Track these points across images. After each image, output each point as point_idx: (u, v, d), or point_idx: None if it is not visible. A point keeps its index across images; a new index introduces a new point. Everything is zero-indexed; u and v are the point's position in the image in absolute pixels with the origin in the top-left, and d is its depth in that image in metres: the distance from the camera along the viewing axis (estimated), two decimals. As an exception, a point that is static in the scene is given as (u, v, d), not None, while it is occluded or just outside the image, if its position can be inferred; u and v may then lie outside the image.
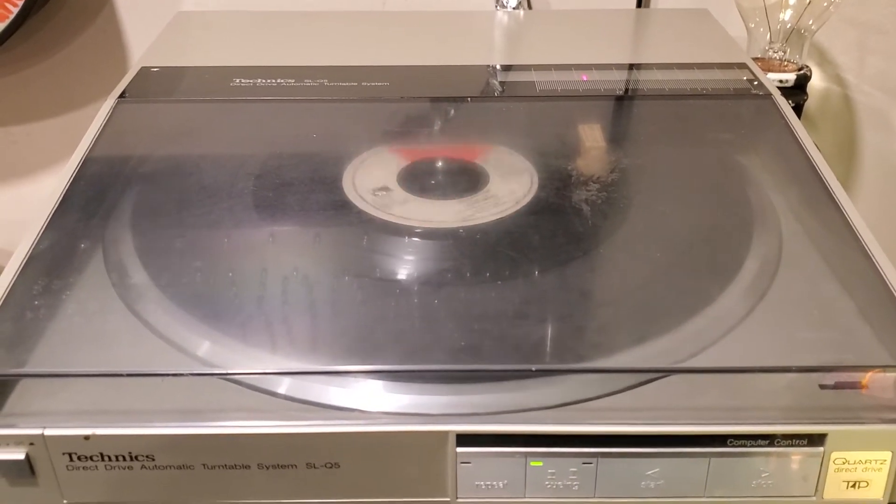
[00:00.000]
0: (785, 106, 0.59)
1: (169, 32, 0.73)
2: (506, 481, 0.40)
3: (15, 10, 0.73)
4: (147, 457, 0.39)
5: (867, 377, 0.41)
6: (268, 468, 0.39)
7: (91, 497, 0.40)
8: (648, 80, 0.63)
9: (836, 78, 0.83)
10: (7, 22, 0.73)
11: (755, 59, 0.69)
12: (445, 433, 0.39)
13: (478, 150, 0.57)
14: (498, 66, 0.67)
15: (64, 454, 0.39)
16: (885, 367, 0.41)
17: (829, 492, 0.40)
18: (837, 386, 0.41)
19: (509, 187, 0.52)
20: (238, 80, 0.63)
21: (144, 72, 0.65)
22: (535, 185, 0.53)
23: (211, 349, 0.42)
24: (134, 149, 0.57)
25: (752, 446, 0.39)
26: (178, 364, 0.41)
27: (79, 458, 0.39)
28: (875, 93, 0.82)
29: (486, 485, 0.40)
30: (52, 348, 0.41)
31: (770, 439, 0.39)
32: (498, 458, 0.39)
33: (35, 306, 0.43)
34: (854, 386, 0.41)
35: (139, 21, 0.82)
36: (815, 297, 0.45)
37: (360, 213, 0.50)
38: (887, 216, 0.86)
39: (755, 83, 0.62)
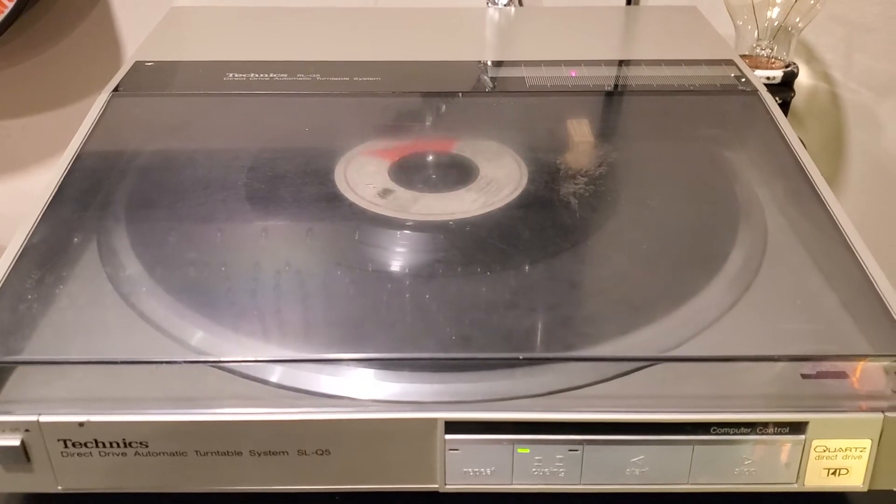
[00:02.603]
0: (771, 102, 0.60)
1: (163, 27, 0.73)
2: (493, 468, 0.41)
3: (10, 5, 0.73)
4: (141, 443, 0.39)
5: (849, 367, 0.42)
6: (259, 455, 0.40)
7: (86, 483, 0.41)
8: (637, 76, 0.64)
9: (823, 75, 0.84)
10: (2, 16, 0.74)
11: (743, 57, 0.70)
12: (434, 420, 0.39)
13: (468, 145, 0.57)
14: (489, 62, 0.67)
15: (59, 441, 0.39)
16: (864, 357, 0.42)
17: (811, 479, 0.41)
18: (819, 375, 0.41)
19: (499, 181, 0.53)
20: (231, 75, 0.63)
21: (138, 66, 0.65)
22: (525, 179, 0.53)
23: (204, 338, 0.42)
24: (128, 142, 0.57)
25: (735, 434, 0.40)
26: (172, 353, 0.41)
27: (73, 444, 0.39)
28: (861, 90, 0.83)
29: (473, 471, 0.41)
30: (48, 337, 0.42)
31: (753, 427, 0.40)
32: (486, 445, 0.40)
33: (30, 297, 0.44)
34: (835, 375, 0.41)
35: (133, 16, 0.82)
36: (798, 289, 0.45)
37: (351, 205, 0.51)
38: (872, 211, 0.87)
39: (742, 80, 0.63)
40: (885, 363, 0.41)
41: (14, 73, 0.85)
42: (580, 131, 0.58)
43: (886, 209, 0.87)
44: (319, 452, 0.40)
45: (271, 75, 0.63)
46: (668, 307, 0.44)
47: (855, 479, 0.41)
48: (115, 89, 0.61)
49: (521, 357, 0.41)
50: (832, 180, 0.87)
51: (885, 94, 0.83)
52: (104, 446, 0.39)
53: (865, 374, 0.42)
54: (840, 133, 0.86)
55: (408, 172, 0.54)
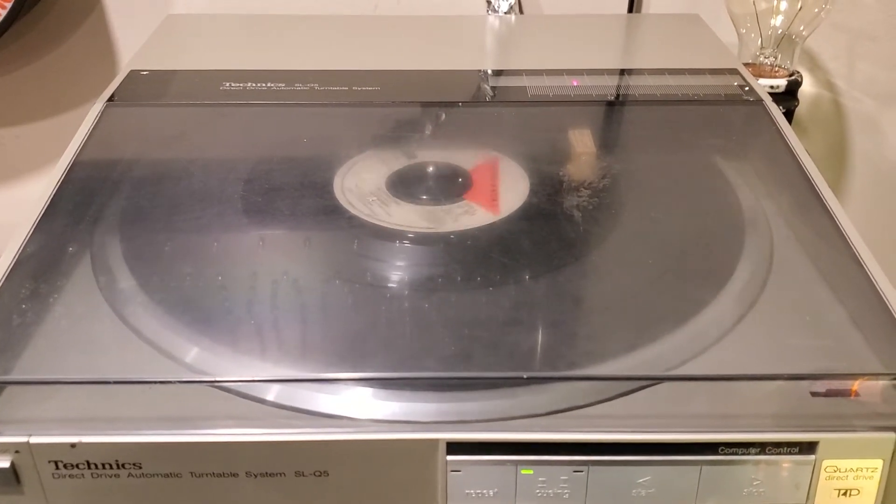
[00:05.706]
0: (776, 111, 0.59)
1: (158, 36, 0.72)
2: (496, 489, 0.40)
3: (4, 13, 0.73)
4: (134, 465, 0.39)
5: (857, 385, 0.41)
6: (256, 476, 0.39)
7: (77, 505, 0.40)
8: (640, 85, 0.63)
9: (827, 84, 0.83)
10: (-5, 24, 0.73)
11: (746, 65, 0.70)
12: (435, 441, 0.39)
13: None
14: (489, 71, 0.66)
15: (50, 462, 0.38)
16: (875, 375, 0.41)
17: (821, 500, 0.40)
18: (828, 393, 0.41)
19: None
20: (228, 84, 0.62)
21: (134, 75, 0.64)
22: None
23: (199, 356, 0.41)
24: (122, 153, 0.56)
25: (743, 454, 0.39)
26: (166, 371, 0.41)
27: (65, 466, 0.38)
28: (865, 98, 0.83)
29: (476, 493, 0.40)
30: (39, 355, 0.41)
31: (761, 447, 0.39)
32: (488, 466, 0.39)
33: (22, 312, 0.43)
34: (845, 394, 0.41)
35: (129, 24, 0.82)
36: (806, 304, 0.45)
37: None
38: (877, 221, 0.87)
39: (746, 89, 0.62)
40: (896, 381, 0.41)
41: (7, 81, 0.84)
42: (583, 142, 0.58)
43: (889, 218, 0.86)
44: (317, 474, 0.39)
45: (269, 85, 0.62)
46: (673, 324, 0.43)
47: (866, 499, 0.40)
48: (110, 99, 0.61)
49: (524, 376, 0.40)
50: (835, 190, 0.86)
51: (888, 102, 0.82)
52: (97, 468, 0.39)
53: (876, 391, 0.41)
54: (843, 142, 0.86)
55: (407, 184, 0.53)
